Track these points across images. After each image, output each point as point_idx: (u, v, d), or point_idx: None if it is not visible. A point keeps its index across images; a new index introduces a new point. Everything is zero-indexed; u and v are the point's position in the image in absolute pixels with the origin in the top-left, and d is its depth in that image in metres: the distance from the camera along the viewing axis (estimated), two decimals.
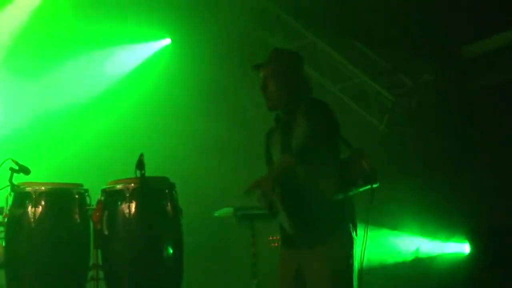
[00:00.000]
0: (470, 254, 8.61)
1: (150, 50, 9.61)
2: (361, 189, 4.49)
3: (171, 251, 6.32)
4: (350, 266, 4.45)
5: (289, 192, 4.47)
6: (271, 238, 7.24)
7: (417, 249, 8.84)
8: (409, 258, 8.82)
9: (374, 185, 4.46)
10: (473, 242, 8.57)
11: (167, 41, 9.62)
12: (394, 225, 8.42)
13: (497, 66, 8.43)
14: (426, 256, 8.87)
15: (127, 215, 6.21)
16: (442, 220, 8.69)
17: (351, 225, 4.51)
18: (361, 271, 4.54)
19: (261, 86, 4.70)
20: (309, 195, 4.42)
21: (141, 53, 9.57)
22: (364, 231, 4.53)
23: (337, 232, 4.45)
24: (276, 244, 5.61)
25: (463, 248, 8.79)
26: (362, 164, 4.41)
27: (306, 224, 4.48)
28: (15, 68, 8.43)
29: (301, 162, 4.33)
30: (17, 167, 6.26)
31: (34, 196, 6.26)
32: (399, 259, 8.72)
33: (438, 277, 8.44)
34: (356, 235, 4.52)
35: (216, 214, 6.74)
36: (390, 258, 8.53)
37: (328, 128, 4.42)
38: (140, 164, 5.87)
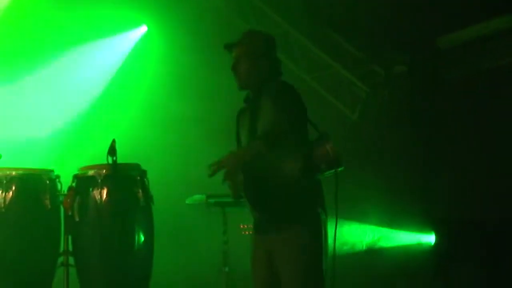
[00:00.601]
0: (436, 245, 8.66)
1: (128, 41, 9.53)
2: (326, 174, 4.49)
3: (142, 237, 6.32)
4: (319, 250, 4.46)
5: (251, 179, 4.48)
6: (242, 226, 7.27)
7: (379, 238, 8.87)
8: (373, 247, 8.84)
9: (339, 169, 4.45)
10: (439, 232, 8.62)
11: (143, 28, 9.56)
12: (359, 215, 8.45)
13: (471, 57, 8.47)
14: (391, 246, 8.90)
15: (98, 201, 6.20)
16: (409, 210, 8.73)
17: (320, 209, 4.51)
18: (334, 257, 4.57)
19: (232, 65, 4.72)
20: (271, 181, 4.42)
21: (121, 45, 9.50)
22: (335, 217, 4.53)
23: (304, 216, 4.44)
24: (247, 232, 5.65)
25: (429, 238, 8.84)
26: (326, 149, 4.40)
27: (269, 209, 4.49)
28: None
29: (268, 149, 4.33)
30: None
31: (4, 181, 6.22)
32: (363, 249, 8.75)
33: (403, 267, 8.48)
34: (326, 218, 4.52)
35: (188, 201, 6.74)
36: (354, 248, 8.56)
37: (293, 111, 4.42)
38: (112, 150, 5.84)
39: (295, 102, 4.48)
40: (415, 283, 8.35)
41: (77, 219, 6.17)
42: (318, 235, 4.46)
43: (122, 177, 6.26)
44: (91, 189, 6.25)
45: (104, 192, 6.21)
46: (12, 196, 6.21)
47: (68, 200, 6.15)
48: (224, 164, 4.28)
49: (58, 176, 6.53)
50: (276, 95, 4.46)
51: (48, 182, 6.40)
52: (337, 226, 4.55)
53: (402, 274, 8.36)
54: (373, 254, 8.77)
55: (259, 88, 4.64)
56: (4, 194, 6.19)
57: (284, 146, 4.33)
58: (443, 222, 8.43)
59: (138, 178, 6.43)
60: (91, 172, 6.31)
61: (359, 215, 8.42)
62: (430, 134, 8.94)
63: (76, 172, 6.43)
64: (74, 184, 6.31)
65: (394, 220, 8.77)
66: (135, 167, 6.49)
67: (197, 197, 6.54)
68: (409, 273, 8.37)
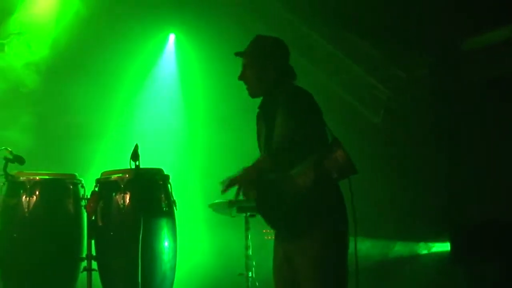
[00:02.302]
0: (451, 252, 8.50)
1: (169, 54, 9.65)
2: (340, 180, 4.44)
3: (165, 242, 6.33)
4: (339, 258, 4.42)
5: (263, 192, 4.45)
6: (265, 230, 7.25)
7: (395, 249, 8.77)
8: (389, 259, 8.74)
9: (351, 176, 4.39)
10: (454, 239, 8.48)
11: (172, 37, 9.67)
12: (373, 225, 8.35)
13: (495, 60, 8.39)
14: (405, 257, 8.78)
15: (121, 206, 6.22)
16: (426, 216, 8.64)
17: (337, 216, 4.45)
18: (356, 267, 4.53)
19: (239, 74, 4.68)
20: (284, 195, 4.37)
21: (168, 61, 9.63)
22: (354, 226, 4.48)
23: (321, 225, 4.39)
24: (270, 237, 5.63)
25: (444, 247, 8.70)
26: (335, 157, 4.34)
27: (284, 223, 4.46)
28: None
29: (275, 166, 4.33)
30: (11, 157, 6.26)
31: (28, 186, 6.27)
32: (379, 262, 8.64)
33: (419, 278, 8.37)
34: (345, 225, 4.46)
35: (210, 206, 6.73)
36: (369, 262, 8.46)
37: (305, 121, 4.36)
38: (134, 155, 5.85)
39: (307, 109, 4.40)
40: None
41: (100, 223, 6.18)
42: (336, 243, 4.41)
43: (145, 182, 6.26)
44: (114, 194, 6.27)
45: (127, 196, 6.23)
46: (36, 200, 6.25)
47: (91, 205, 6.16)
48: (237, 181, 4.34)
49: (81, 181, 6.56)
50: (288, 104, 4.41)
51: (71, 186, 6.43)
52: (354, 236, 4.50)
53: (420, 285, 8.27)
54: (390, 266, 8.67)
55: (270, 95, 4.59)
56: (28, 198, 6.23)
57: (293, 161, 4.30)
58: (461, 229, 8.32)
59: (161, 183, 6.44)
60: (114, 177, 6.33)
61: (374, 225, 8.33)
62: (453, 139, 8.87)
63: (99, 176, 6.45)
64: (97, 189, 6.33)
65: (410, 228, 8.68)
66: (158, 172, 6.51)
67: (219, 202, 6.53)
68: (425, 284, 8.27)
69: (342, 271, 4.42)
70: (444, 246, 8.63)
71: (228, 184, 4.35)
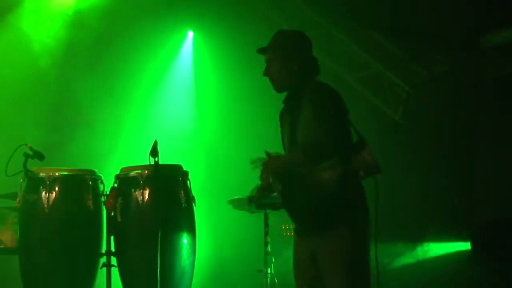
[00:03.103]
0: (472, 251, 8.42)
1: (187, 51, 9.70)
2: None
3: (183, 238, 6.34)
4: (362, 251, 4.41)
5: (289, 187, 4.44)
6: (284, 227, 7.24)
7: (417, 250, 8.71)
8: (406, 260, 8.68)
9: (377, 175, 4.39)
10: (474, 238, 8.39)
11: (190, 34, 9.70)
12: (391, 224, 8.28)
13: None
14: (427, 258, 8.72)
15: (140, 202, 6.24)
16: (446, 215, 8.58)
17: (361, 213, 4.44)
18: (377, 267, 4.51)
19: (264, 70, 4.67)
20: (310, 190, 4.36)
21: (185, 58, 9.69)
22: (375, 225, 4.46)
23: (345, 219, 4.38)
24: (289, 233, 5.62)
25: (465, 246, 8.62)
26: (363, 156, 4.33)
27: (309, 218, 4.45)
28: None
29: (309, 164, 4.32)
30: (31, 153, 6.27)
31: (48, 182, 6.28)
32: (400, 263, 8.59)
33: (440, 278, 8.30)
34: (368, 223, 4.45)
35: (230, 202, 6.73)
36: (390, 263, 8.40)
37: (332, 121, 4.34)
38: (154, 151, 5.84)
39: (333, 108, 4.38)
40: None
41: (119, 219, 6.20)
42: (360, 236, 4.40)
43: (164, 178, 6.25)
44: (133, 190, 6.29)
45: (146, 193, 6.25)
46: (55, 197, 6.26)
47: (111, 201, 6.18)
48: (266, 165, 4.37)
49: (100, 177, 6.57)
50: (314, 102, 4.39)
51: (90, 183, 6.44)
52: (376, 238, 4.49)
53: (439, 284, 8.20)
54: (408, 266, 8.62)
55: (295, 89, 4.58)
56: (47, 195, 6.24)
57: (321, 158, 4.30)
58: (481, 227, 8.24)
59: (180, 179, 6.45)
60: (133, 173, 6.35)
61: (392, 224, 8.26)
62: (472, 136, 8.82)
63: (118, 172, 6.46)
64: (116, 185, 6.35)
65: (429, 228, 8.61)
66: (177, 168, 6.51)
67: (239, 198, 6.52)
68: (446, 284, 8.20)
69: (366, 268, 4.42)
70: (463, 246, 8.56)
71: (258, 165, 4.39)
